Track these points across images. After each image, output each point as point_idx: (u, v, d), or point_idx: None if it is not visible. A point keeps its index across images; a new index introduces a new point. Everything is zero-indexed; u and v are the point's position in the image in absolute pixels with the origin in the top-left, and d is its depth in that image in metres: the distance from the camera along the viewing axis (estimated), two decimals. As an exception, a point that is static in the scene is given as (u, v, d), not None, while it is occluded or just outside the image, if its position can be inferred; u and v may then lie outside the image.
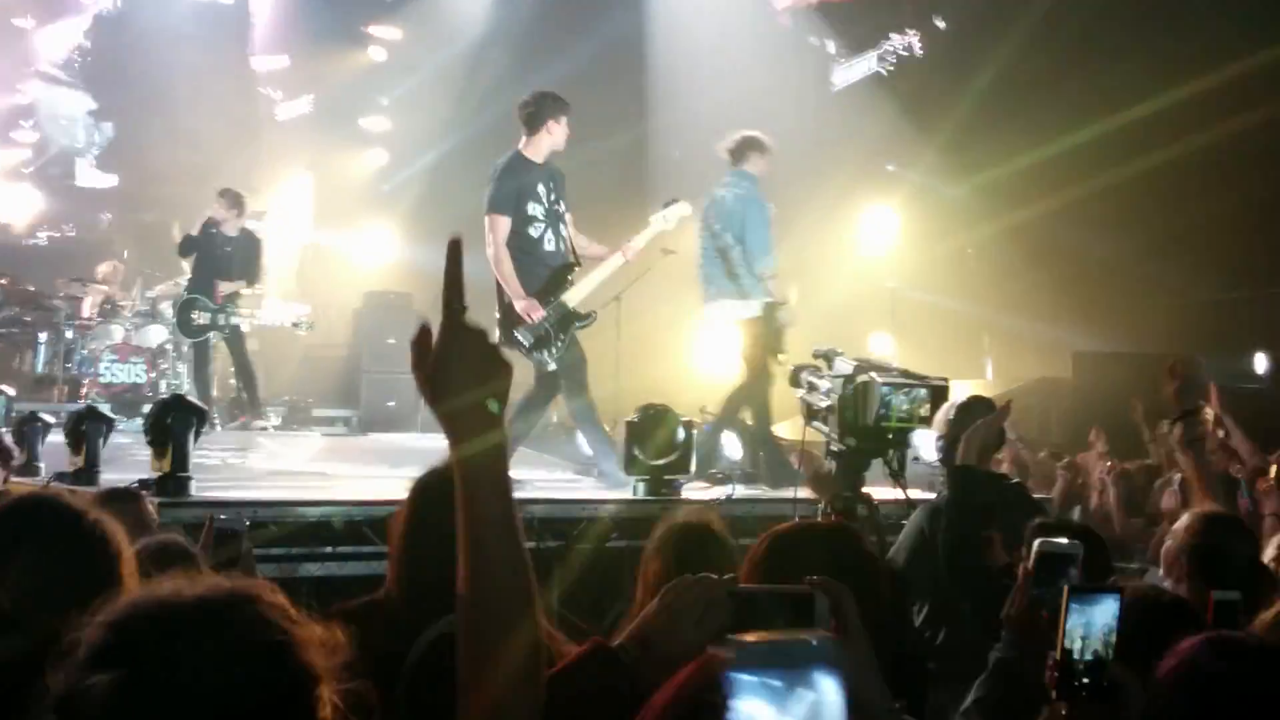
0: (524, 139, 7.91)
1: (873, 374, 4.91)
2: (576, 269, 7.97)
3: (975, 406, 5.02)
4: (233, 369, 12.25)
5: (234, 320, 11.77)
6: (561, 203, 7.94)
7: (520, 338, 7.69)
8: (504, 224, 7.69)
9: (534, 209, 7.79)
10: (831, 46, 16.52)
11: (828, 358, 5.17)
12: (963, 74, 14.54)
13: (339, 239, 17.39)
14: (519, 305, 7.65)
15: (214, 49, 17.36)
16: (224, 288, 11.74)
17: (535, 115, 7.88)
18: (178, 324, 11.87)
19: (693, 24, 16.35)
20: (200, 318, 11.68)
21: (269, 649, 1.45)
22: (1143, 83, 12.84)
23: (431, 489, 2.94)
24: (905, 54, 15.63)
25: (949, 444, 4.95)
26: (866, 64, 15.97)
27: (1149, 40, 13.30)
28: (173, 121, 16.98)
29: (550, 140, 7.93)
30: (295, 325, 12.59)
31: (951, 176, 15.03)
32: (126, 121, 17.44)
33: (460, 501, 1.66)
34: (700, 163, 14.91)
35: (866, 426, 4.84)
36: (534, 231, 7.77)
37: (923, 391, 4.83)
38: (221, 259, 11.84)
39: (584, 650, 2.15)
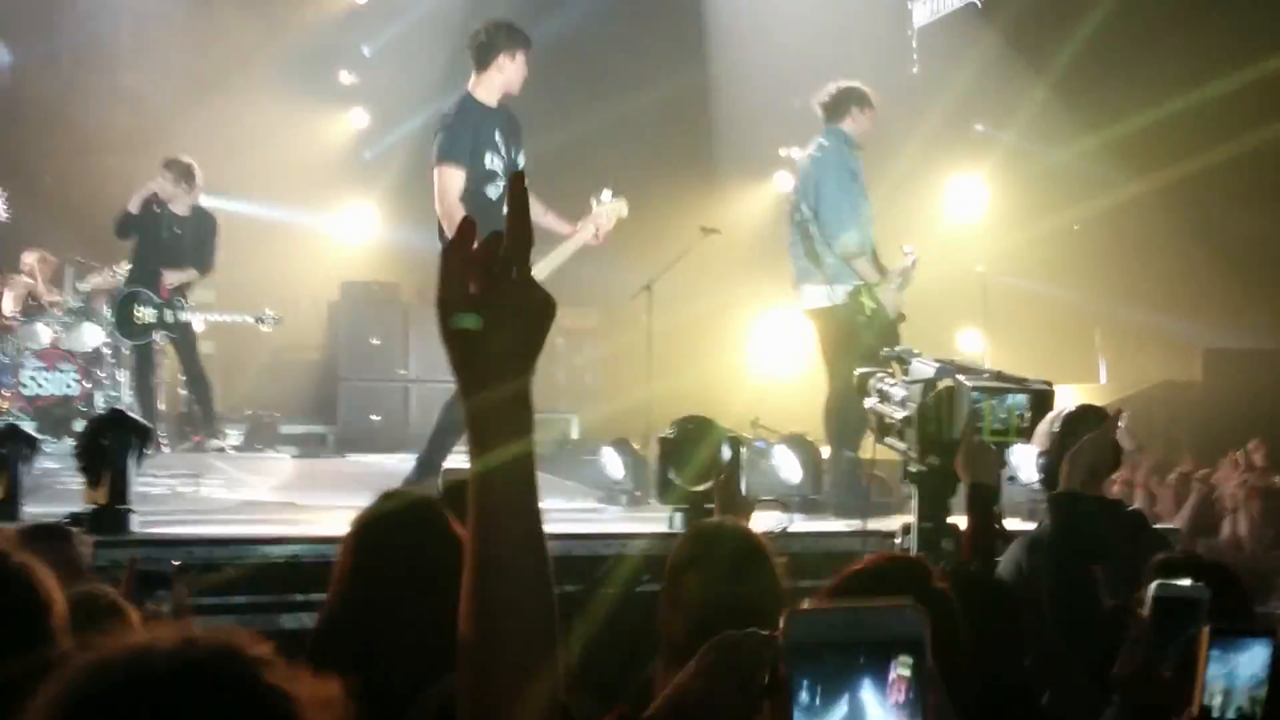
0: (473, 77, 8.01)
1: (960, 377, 4.88)
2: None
3: (1086, 418, 4.97)
4: (182, 377, 12.30)
5: (184, 317, 11.80)
6: (521, 156, 8.04)
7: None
8: (458, 178, 7.68)
9: (492, 162, 7.86)
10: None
11: (901, 360, 5.16)
12: (1076, 5, 14.42)
13: (309, 217, 17.44)
14: None
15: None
16: (171, 278, 11.75)
17: (485, 48, 7.97)
18: (116, 323, 11.88)
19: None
20: (144, 315, 11.72)
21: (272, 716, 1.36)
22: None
23: (378, 528, 2.95)
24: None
25: (1052, 463, 4.92)
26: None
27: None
28: (110, 79, 17.10)
29: (502, 79, 8.00)
30: (259, 321, 12.65)
31: (1055, 137, 14.92)
32: (53, 78, 17.56)
33: (475, 516, 1.62)
34: (769, 120, 15.04)
35: (953, 441, 4.81)
36: (492, 192, 7.81)
37: (1022, 398, 4.81)
38: (169, 243, 11.84)
39: None
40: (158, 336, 11.80)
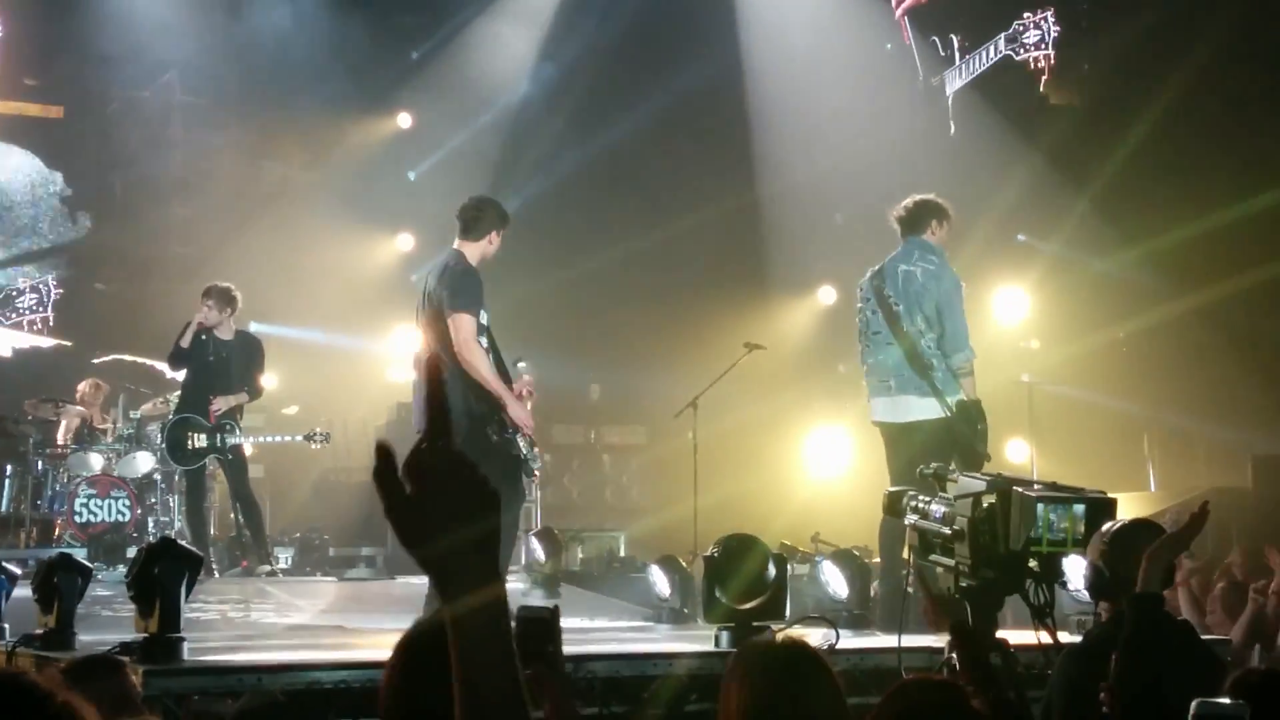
0: (459, 240, 8.47)
1: (1017, 489, 4.86)
2: None
3: (1139, 533, 4.95)
4: (235, 502, 12.32)
5: (233, 440, 11.83)
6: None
7: (523, 449, 8.12)
8: (472, 323, 8.03)
9: (485, 318, 8.22)
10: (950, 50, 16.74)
11: (939, 476, 5.14)
12: (1118, 123, 14.52)
13: (357, 340, 17.62)
14: (516, 412, 8.04)
15: (210, 117, 17.89)
16: (220, 403, 11.76)
17: (479, 221, 8.49)
18: (168, 449, 11.87)
19: (788, 73, 16.71)
20: (196, 440, 11.76)
21: None
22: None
23: (421, 646, 2.95)
24: (1038, 45, 15.62)
25: (1101, 573, 4.90)
26: (992, 50, 16.03)
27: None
28: (163, 211, 17.44)
29: (489, 251, 8.50)
30: (309, 439, 12.67)
31: (1097, 249, 14.96)
32: (103, 211, 17.94)
33: (454, 653, 1.71)
34: (812, 237, 15.13)
35: (1012, 554, 4.78)
36: (484, 342, 8.13)
37: (1079, 507, 4.79)
38: (216, 368, 11.85)
39: None
40: (209, 461, 11.86)
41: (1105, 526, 4.97)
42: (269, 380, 12.95)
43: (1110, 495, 4.92)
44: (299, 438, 12.80)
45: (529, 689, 1.75)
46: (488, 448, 7.83)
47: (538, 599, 10.30)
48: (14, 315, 17.61)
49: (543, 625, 3.58)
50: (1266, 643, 8.52)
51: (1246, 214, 13.05)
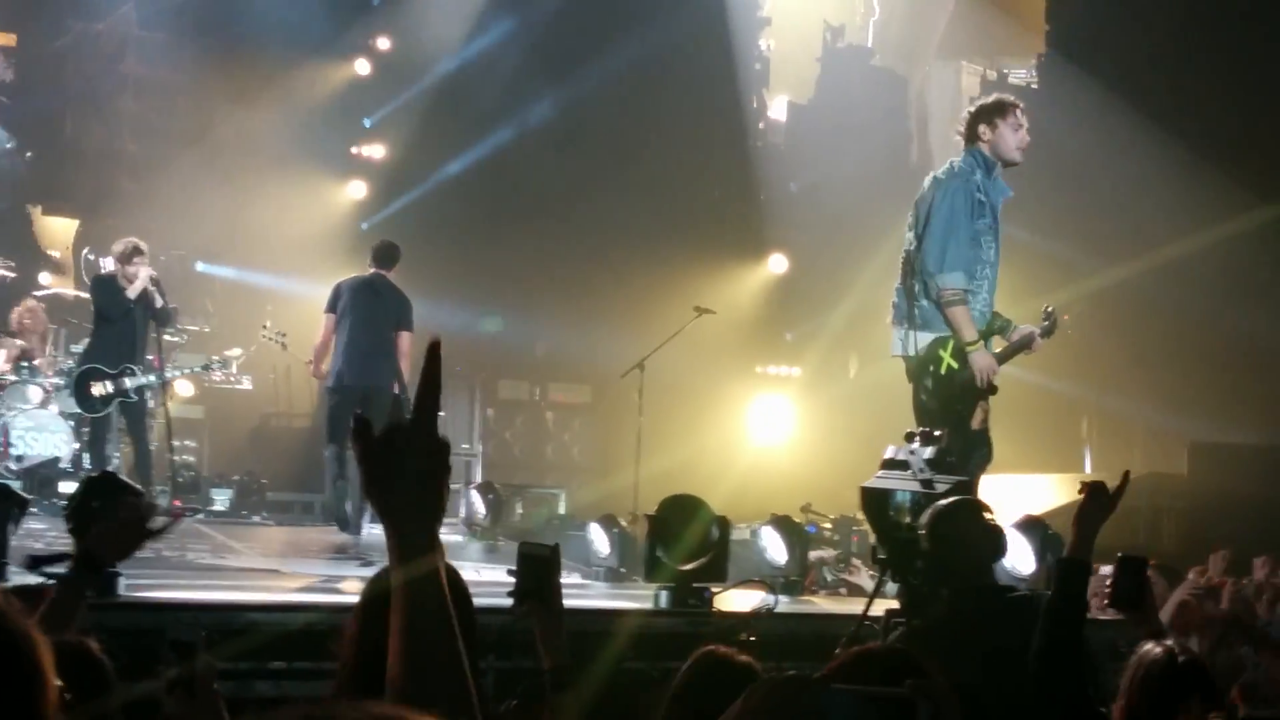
0: (384, 270, 11.21)
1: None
2: None
3: (957, 514, 5.04)
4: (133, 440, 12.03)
5: (135, 383, 11.57)
6: None
7: None
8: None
9: None
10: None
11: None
12: (1073, 98, 14.60)
13: (305, 285, 17.42)
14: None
15: (166, 53, 17.63)
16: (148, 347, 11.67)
17: (396, 257, 11.31)
18: (76, 400, 11.64)
19: (751, 38, 16.72)
20: (102, 387, 11.55)
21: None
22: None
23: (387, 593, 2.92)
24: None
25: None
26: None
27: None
28: (114, 145, 17.19)
29: None
30: (206, 369, 12.66)
31: (1042, 226, 15.04)
32: (54, 139, 17.66)
33: (397, 604, 1.90)
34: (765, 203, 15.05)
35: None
36: None
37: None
38: (136, 320, 11.66)
39: None
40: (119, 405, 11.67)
41: (927, 511, 5.04)
42: (210, 321, 12.86)
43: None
44: (197, 368, 12.77)
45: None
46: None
47: (477, 553, 10.28)
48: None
49: (542, 564, 3.65)
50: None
51: (1188, 189, 13.19)
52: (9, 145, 17.43)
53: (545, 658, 3.65)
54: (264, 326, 12.96)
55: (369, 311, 11.01)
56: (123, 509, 4.03)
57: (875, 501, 6.16)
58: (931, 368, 7.35)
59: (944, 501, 5.25)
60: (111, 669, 3.51)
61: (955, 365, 7.30)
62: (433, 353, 1.92)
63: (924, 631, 4.54)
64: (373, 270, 11.30)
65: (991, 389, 7.36)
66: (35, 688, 2.31)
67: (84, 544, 4.09)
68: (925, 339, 7.43)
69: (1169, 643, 4.04)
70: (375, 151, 18.36)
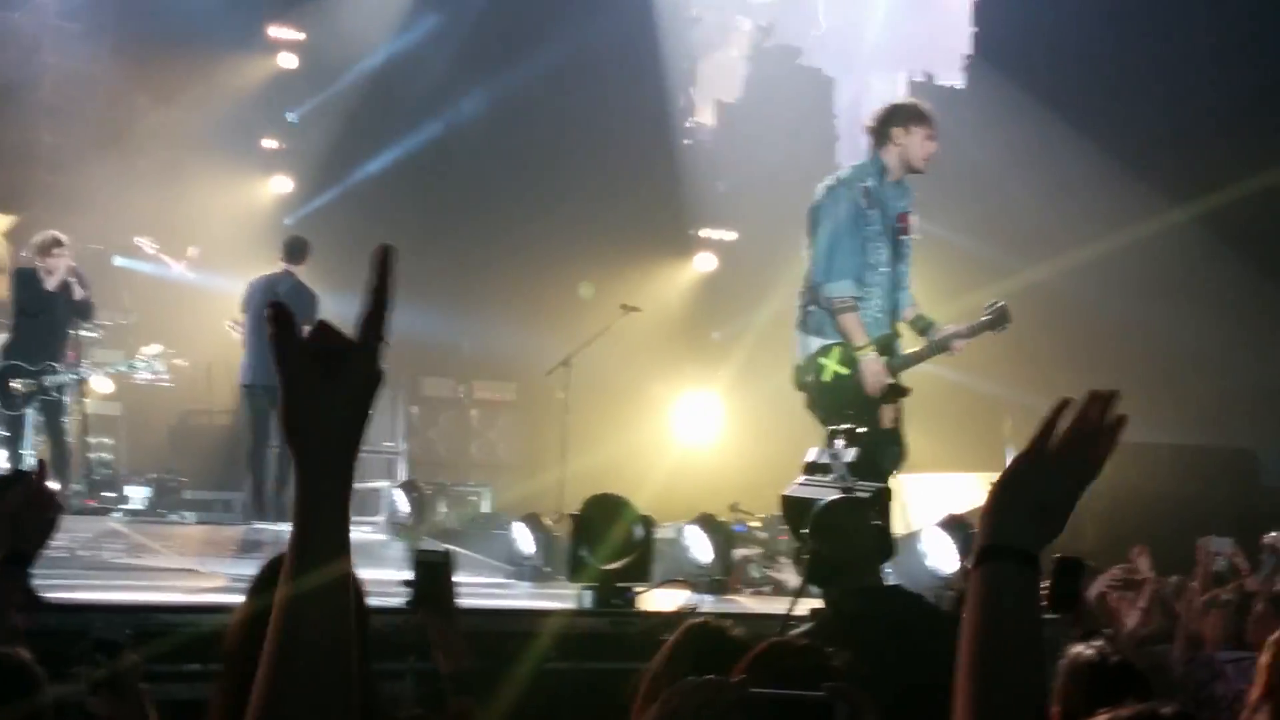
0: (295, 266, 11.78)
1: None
2: None
3: (839, 513, 5.06)
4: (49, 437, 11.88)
5: (54, 380, 11.43)
6: None
7: None
8: None
9: None
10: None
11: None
12: (991, 103, 14.75)
13: (227, 281, 17.23)
14: None
15: (83, 44, 17.36)
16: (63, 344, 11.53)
17: (306, 250, 11.73)
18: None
19: (683, 36, 16.76)
20: (21, 386, 11.38)
21: None
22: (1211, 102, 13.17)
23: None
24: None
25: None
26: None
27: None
28: (31, 137, 16.89)
29: None
30: (131, 368, 12.66)
31: (969, 223, 15.17)
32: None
33: (274, 645, 1.57)
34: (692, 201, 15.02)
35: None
36: None
37: None
38: (56, 315, 11.58)
39: None
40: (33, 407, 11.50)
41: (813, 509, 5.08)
42: (128, 316, 12.71)
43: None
44: (122, 368, 12.66)
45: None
46: None
47: (400, 552, 10.20)
48: None
49: (436, 570, 3.62)
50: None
51: (1104, 192, 13.36)
52: None
53: (443, 662, 3.61)
54: (229, 322, 12.91)
55: None
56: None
57: (795, 509, 6.15)
58: (811, 377, 7.49)
59: (828, 498, 5.27)
60: (42, 673, 3.45)
61: (845, 371, 7.41)
62: (381, 260, 1.65)
63: (812, 634, 4.54)
64: (282, 267, 11.24)
65: (898, 391, 7.52)
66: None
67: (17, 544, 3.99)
68: (814, 345, 7.56)
69: (1098, 643, 4.05)
70: (298, 146, 18.17)
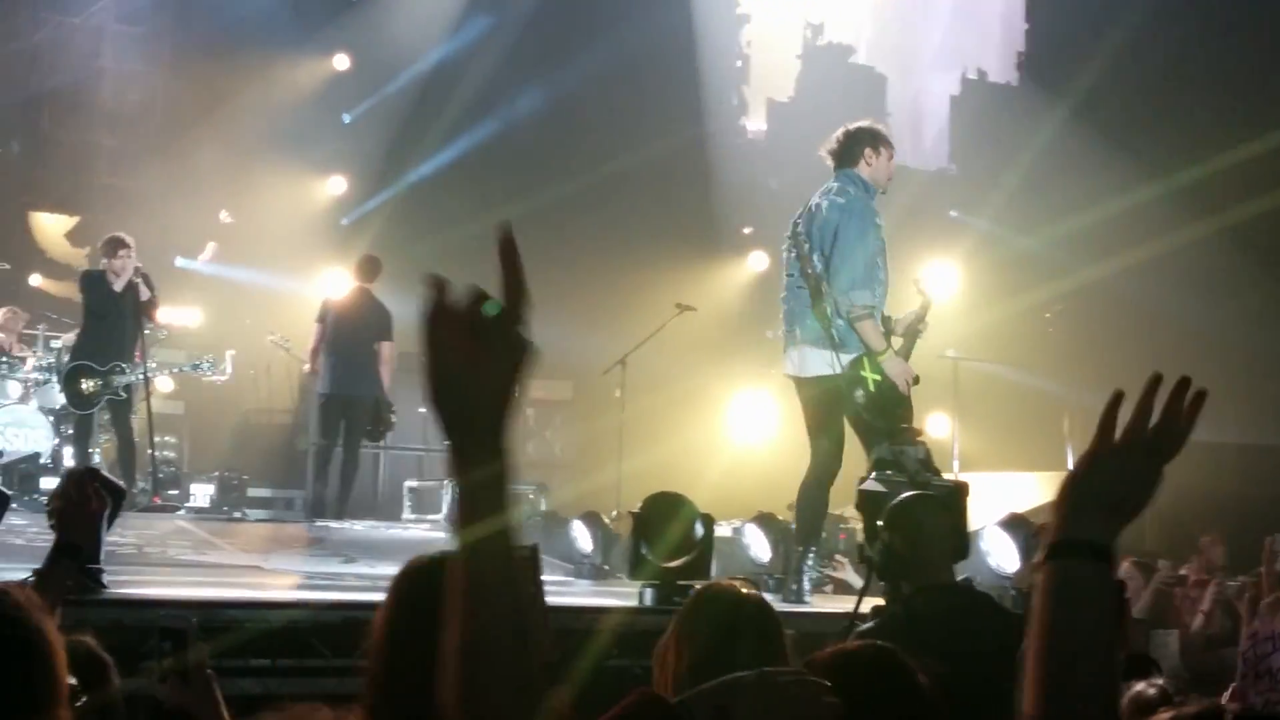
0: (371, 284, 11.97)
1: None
2: None
3: (915, 508, 5.04)
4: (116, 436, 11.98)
5: (123, 380, 11.53)
6: None
7: None
8: None
9: None
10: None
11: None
12: (1046, 100, 14.68)
13: (285, 281, 17.36)
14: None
15: (142, 48, 17.55)
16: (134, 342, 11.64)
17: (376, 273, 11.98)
18: (67, 398, 11.62)
19: (733, 33, 16.70)
20: (90, 385, 11.49)
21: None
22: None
23: (421, 580, 2.76)
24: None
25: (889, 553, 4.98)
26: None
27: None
28: (92, 141, 17.09)
29: None
30: (196, 368, 12.64)
31: (1026, 224, 15.10)
32: (30, 138, 17.54)
33: (463, 588, 1.66)
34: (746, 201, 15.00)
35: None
36: None
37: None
38: (126, 315, 11.63)
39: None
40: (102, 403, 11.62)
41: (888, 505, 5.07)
42: (193, 316, 12.85)
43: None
44: (187, 368, 12.75)
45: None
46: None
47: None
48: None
49: (522, 564, 3.56)
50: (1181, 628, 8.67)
51: (1164, 191, 13.25)
52: (14, 148, 17.35)
53: None
54: (271, 334, 13.55)
55: (351, 326, 11.69)
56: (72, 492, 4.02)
57: (873, 503, 6.16)
58: (860, 388, 7.61)
59: (905, 495, 5.27)
60: (113, 665, 3.50)
61: (879, 377, 7.61)
62: (506, 241, 1.71)
63: (878, 631, 4.52)
64: (356, 284, 11.62)
65: (915, 381, 7.77)
66: (50, 683, 2.32)
67: (63, 537, 4.07)
68: (846, 358, 7.70)
69: (1159, 681, 3.93)
70: (353, 147, 18.29)
